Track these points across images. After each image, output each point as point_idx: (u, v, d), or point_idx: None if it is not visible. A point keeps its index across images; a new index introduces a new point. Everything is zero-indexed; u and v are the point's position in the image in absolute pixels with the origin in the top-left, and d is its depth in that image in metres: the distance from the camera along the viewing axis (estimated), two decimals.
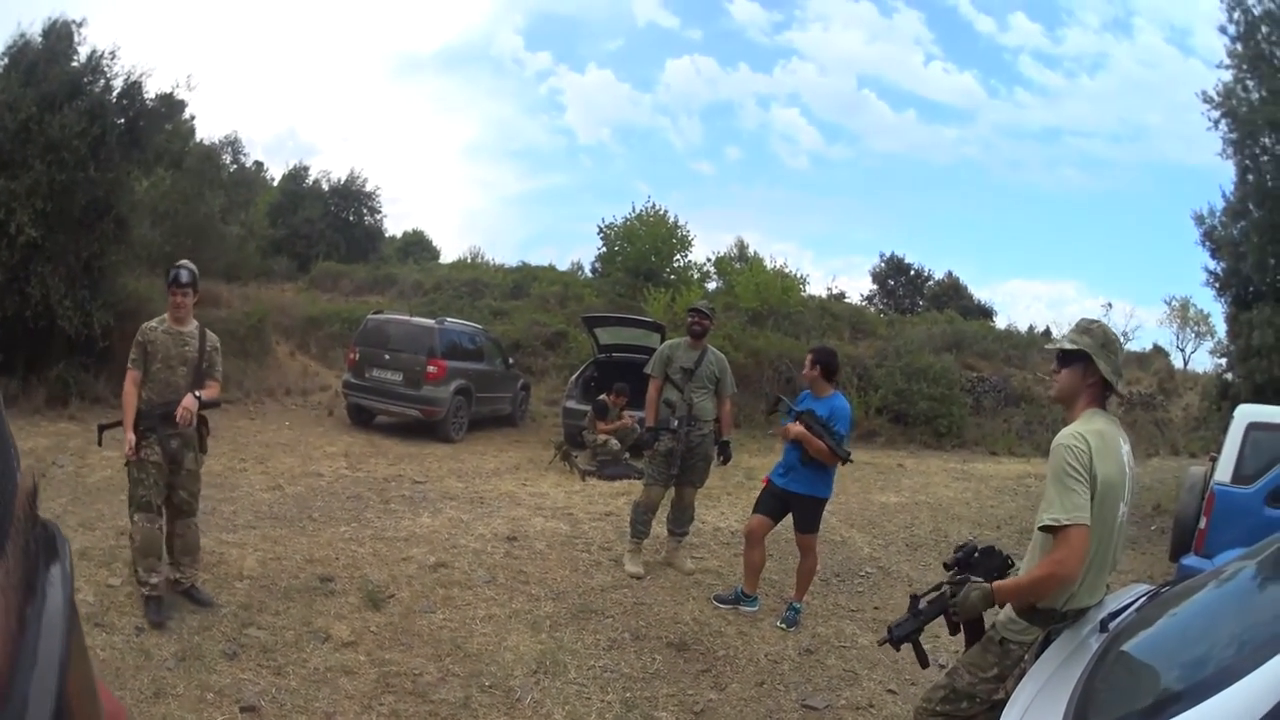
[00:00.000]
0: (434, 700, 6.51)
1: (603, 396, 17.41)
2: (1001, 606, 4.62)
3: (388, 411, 19.54)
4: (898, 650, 5.24)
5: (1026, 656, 4.44)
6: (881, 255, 53.20)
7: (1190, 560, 9.45)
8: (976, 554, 4.87)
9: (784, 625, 8.72)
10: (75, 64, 17.53)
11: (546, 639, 7.84)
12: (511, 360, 23.50)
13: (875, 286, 52.39)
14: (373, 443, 17.87)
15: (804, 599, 9.09)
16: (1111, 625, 4.22)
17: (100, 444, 8.16)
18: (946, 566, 5.00)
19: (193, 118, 26.67)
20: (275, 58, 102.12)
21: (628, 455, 16.16)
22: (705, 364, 10.16)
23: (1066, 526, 4.20)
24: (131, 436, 7.27)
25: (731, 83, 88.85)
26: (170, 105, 19.21)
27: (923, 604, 5.00)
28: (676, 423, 10.05)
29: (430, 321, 20.21)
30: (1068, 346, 4.55)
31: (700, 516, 11.89)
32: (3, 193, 15.60)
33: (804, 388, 9.06)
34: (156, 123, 18.72)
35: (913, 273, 52.00)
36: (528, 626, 8.10)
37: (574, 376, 20.97)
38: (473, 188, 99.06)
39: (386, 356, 19.08)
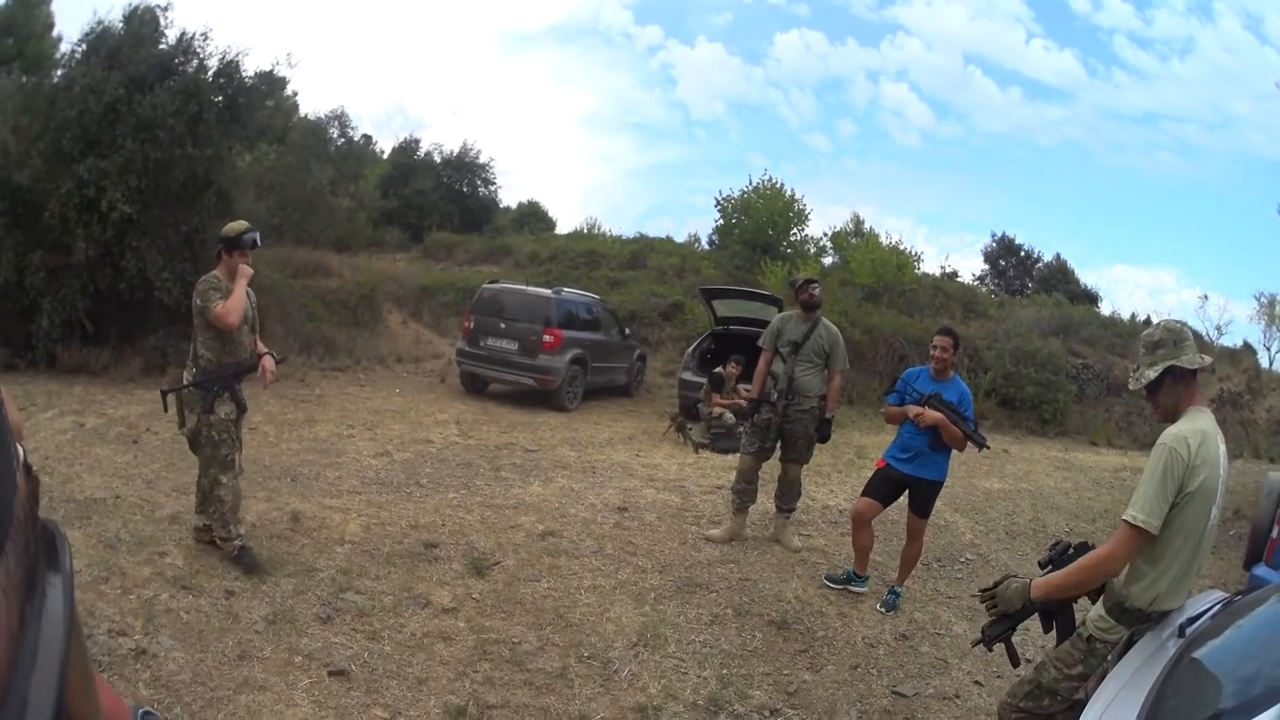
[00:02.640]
0: (530, 669, 6.50)
1: (719, 369, 17.33)
2: (1039, 600, 4.64)
3: (502, 380, 19.61)
4: (990, 650, 5.19)
5: (1110, 656, 4.43)
6: (993, 235, 52.66)
7: (1261, 570, 9.19)
8: (1070, 551, 4.86)
9: (883, 609, 8.64)
10: (164, 46, 17.88)
11: (649, 611, 7.84)
12: (628, 331, 23.49)
13: (987, 266, 51.86)
14: (486, 410, 17.99)
15: (905, 583, 9.02)
16: (1188, 631, 4.21)
17: (166, 410, 8.08)
18: (1041, 565, 4.97)
19: (295, 94, 26.94)
20: (380, 35, 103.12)
21: (741, 429, 15.97)
22: (814, 338, 9.98)
23: (1134, 526, 4.21)
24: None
25: (840, 57, 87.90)
26: (271, 82, 19.59)
27: None
28: (775, 395, 9.97)
29: (547, 291, 20.18)
30: (1152, 376, 4.50)
31: (809, 494, 11.99)
32: (93, 171, 15.94)
33: (917, 365, 9.00)
34: (256, 99, 19.04)
35: (1023, 254, 51.31)
36: (631, 598, 8.10)
37: (691, 348, 20.80)
38: (590, 161, 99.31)
39: (502, 325, 19.18)
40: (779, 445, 10.20)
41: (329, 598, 7.29)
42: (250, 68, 18.72)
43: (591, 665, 6.71)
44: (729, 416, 16.15)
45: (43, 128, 16.54)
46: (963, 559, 10.87)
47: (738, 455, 10.66)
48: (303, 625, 6.73)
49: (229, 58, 18.23)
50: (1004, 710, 4.86)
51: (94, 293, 16.42)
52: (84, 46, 17.81)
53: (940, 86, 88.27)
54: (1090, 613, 4.59)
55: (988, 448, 8.77)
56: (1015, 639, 4.98)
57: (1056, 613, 4.80)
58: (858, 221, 45.01)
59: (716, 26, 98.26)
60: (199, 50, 17.97)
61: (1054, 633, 4.85)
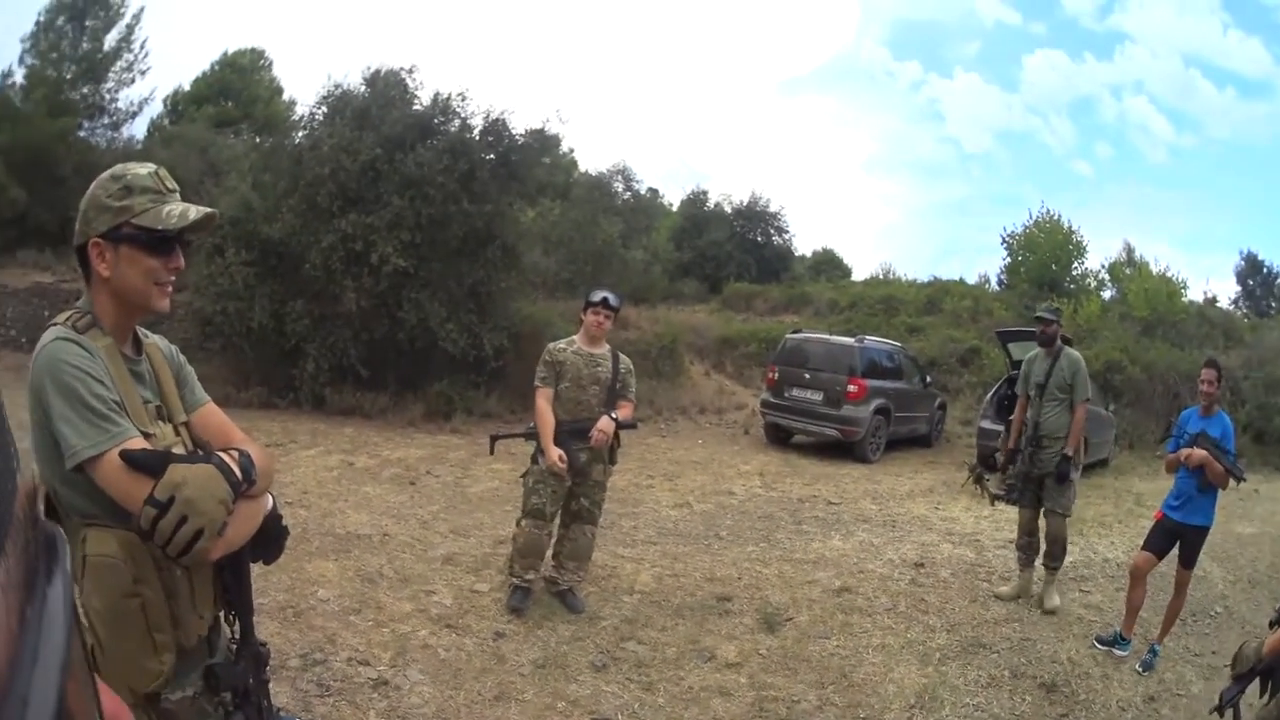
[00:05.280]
0: None
1: (1014, 416, 16.83)
2: (1268, 658, 4.35)
3: (806, 431, 19.38)
4: (1224, 716, 4.89)
5: None
6: (1240, 253, 50.36)
7: None
8: None
9: (1141, 670, 8.12)
10: (418, 107, 18.73)
11: (932, 673, 7.54)
12: (929, 379, 23.05)
13: (1239, 288, 49.64)
14: (789, 462, 17.86)
15: (1164, 640, 8.53)
16: None
17: (492, 452, 8.51)
18: (1271, 625, 4.71)
19: (571, 150, 27.64)
20: (653, 93, 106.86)
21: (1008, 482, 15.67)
22: (1055, 372, 9.46)
23: None
24: (555, 450, 7.44)
25: (1083, 74, 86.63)
26: (543, 139, 20.16)
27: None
28: (1025, 443, 9.61)
29: (850, 340, 19.99)
30: None
31: (1092, 546, 11.63)
32: (359, 226, 16.80)
33: (1190, 404, 8.56)
34: (530, 156, 19.65)
35: (1265, 271, 48.92)
36: (917, 658, 7.82)
37: (988, 395, 20.13)
38: (876, 203, 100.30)
39: (806, 375, 19.07)
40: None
41: (608, 646, 7.26)
42: (519, 125, 19.41)
43: None
44: None
45: (291, 185, 17.54)
46: (1212, 613, 10.20)
47: None
48: (574, 672, 6.69)
49: (494, 116, 18.97)
50: None
51: (368, 340, 17.25)
52: (324, 109, 18.91)
53: (1170, 94, 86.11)
54: None
55: (1245, 480, 8.26)
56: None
57: (1277, 670, 4.52)
58: (1129, 250, 44.05)
59: (968, 55, 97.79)
60: (459, 110, 18.81)
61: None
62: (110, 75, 32.48)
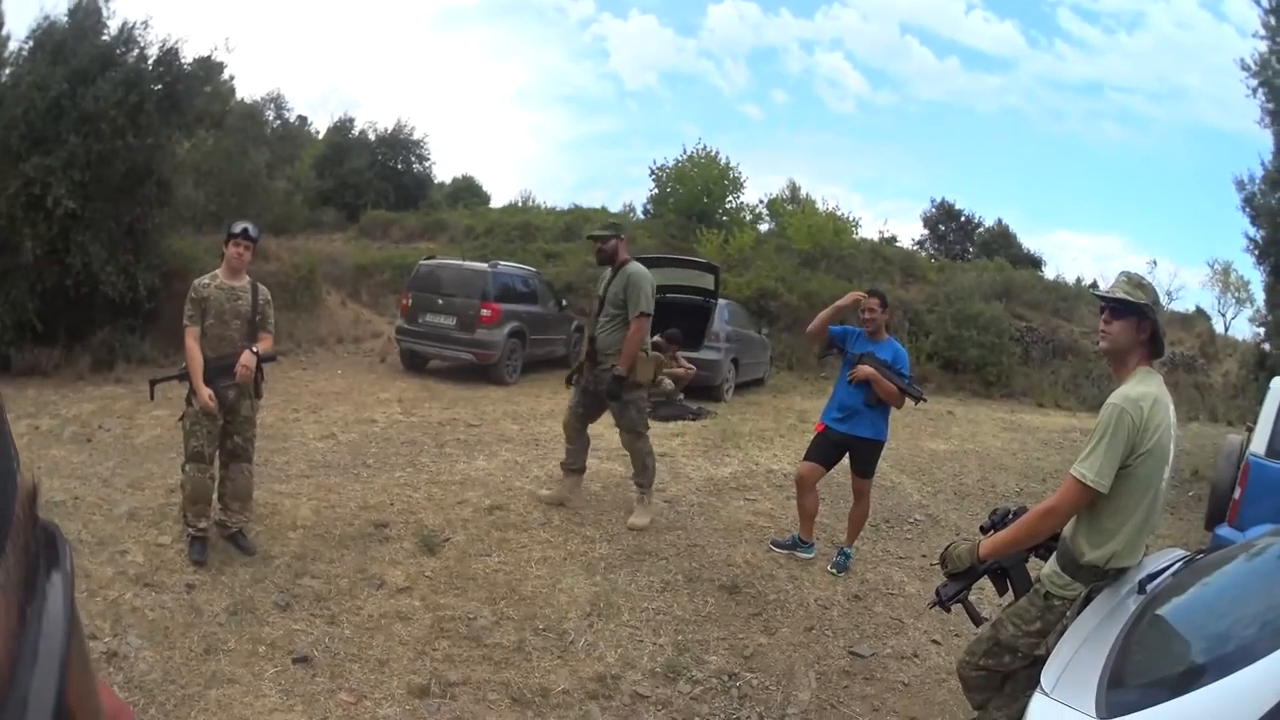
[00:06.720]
0: (488, 644, 6.54)
1: (657, 338, 17.05)
2: (987, 559, 4.71)
3: (441, 356, 19.67)
4: (948, 612, 5.16)
5: (1069, 613, 4.41)
6: (932, 200, 52.84)
7: (1224, 530, 9.19)
8: (1010, 516, 4.89)
9: (834, 570, 8.69)
10: (106, 38, 17.61)
11: (600, 581, 7.86)
12: (565, 302, 23.37)
13: (926, 231, 52.05)
14: (427, 387, 17.93)
15: (854, 544, 9.05)
16: (1149, 587, 4.27)
17: (152, 398, 8.38)
18: (982, 530, 4.99)
19: (232, 78, 26.79)
20: (315, 15, 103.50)
21: (681, 396, 16.20)
22: (612, 288, 9.52)
23: (1082, 483, 4.24)
24: (205, 390, 7.43)
25: (774, 27, 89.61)
26: (209, 68, 19.28)
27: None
28: (586, 356, 9.84)
29: (483, 265, 20.24)
30: (1125, 297, 4.38)
31: (754, 458, 12.21)
32: (39, 169, 15.66)
33: (854, 330, 8.88)
34: (195, 86, 18.73)
35: (963, 219, 51.52)
36: (582, 569, 8.12)
37: None
38: (523, 134, 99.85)
39: (440, 301, 19.14)
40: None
41: (286, 584, 7.28)
42: (189, 54, 18.48)
43: (547, 637, 6.76)
44: (667, 383, 16.03)
45: None
46: (911, 520, 10.96)
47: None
48: (263, 614, 6.71)
49: (169, 45, 17.95)
50: (964, 668, 4.89)
51: (42, 291, 16.13)
52: (30, 43, 17.48)
53: (876, 56, 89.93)
54: (1045, 569, 4.59)
55: (924, 400, 9.01)
56: (972, 598, 4.99)
57: (1010, 570, 4.82)
58: (794, 188, 45.48)
59: None
60: (140, 39, 17.69)
61: (1009, 592, 4.88)
62: None
